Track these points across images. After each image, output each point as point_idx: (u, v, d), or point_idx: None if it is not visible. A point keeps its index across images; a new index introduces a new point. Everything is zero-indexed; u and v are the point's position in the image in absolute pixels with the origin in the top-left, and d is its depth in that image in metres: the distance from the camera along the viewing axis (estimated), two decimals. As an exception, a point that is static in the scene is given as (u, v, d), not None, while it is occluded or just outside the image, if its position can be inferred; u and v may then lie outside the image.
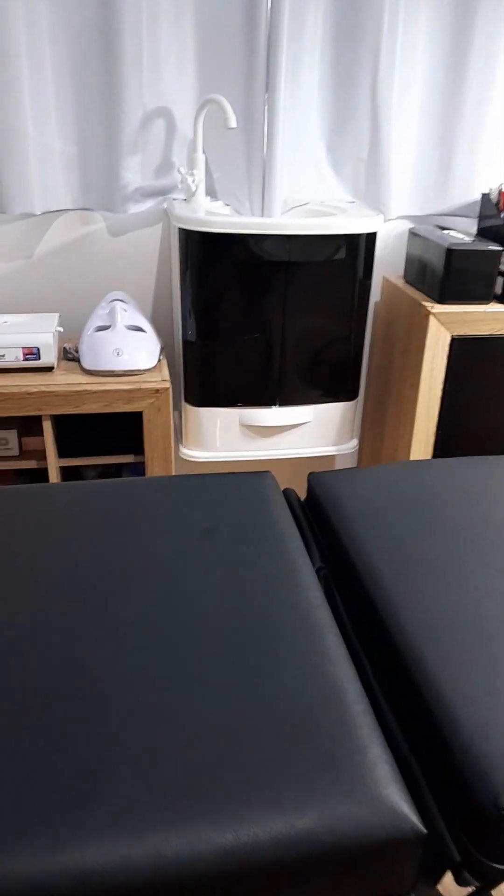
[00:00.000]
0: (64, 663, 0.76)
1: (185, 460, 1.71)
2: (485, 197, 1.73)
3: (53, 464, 1.58)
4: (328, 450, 1.78)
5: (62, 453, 1.62)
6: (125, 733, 0.69)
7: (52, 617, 0.83)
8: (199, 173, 1.60)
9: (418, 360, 1.64)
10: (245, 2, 1.49)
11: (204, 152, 1.60)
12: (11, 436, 1.61)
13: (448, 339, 1.61)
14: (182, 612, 0.83)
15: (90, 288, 1.75)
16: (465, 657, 0.78)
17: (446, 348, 1.62)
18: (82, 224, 1.69)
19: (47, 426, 1.53)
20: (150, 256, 1.75)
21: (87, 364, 1.54)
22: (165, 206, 1.68)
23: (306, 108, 1.65)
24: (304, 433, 1.74)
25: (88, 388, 1.49)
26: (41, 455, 1.60)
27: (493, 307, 1.61)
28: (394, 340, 1.79)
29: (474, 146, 1.72)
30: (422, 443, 1.72)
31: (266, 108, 1.56)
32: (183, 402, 1.69)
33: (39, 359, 1.52)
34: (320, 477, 1.10)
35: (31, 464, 1.61)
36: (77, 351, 1.60)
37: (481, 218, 1.75)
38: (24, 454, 1.64)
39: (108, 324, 1.58)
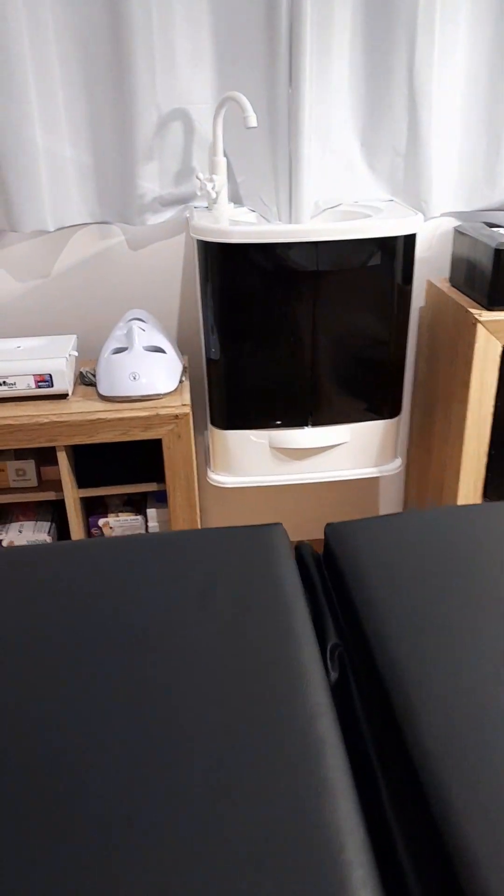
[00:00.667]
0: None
1: (213, 486, 1.59)
2: (540, 187, 1.54)
3: (70, 495, 1.49)
4: (369, 471, 1.63)
5: (82, 483, 1.53)
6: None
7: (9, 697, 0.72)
8: (220, 178, 1.48)
9: (466, 373, 1.48)
10: (262, -12, 1.35)
11: (225, 155, 1.48)
12: (29, 466, 1.53)
13: (499, 350, 1.44)
14: (159, 716, 0.69)
15: (110, 306, 1.64)
16: (500, 800, 0.59)
17: (497, 360, 1.44)
18: (100, 238, 1.59)
19: (62, 457, 1.44)
20: (173, 270, 1.64)
21: (103, 390, 1.44)
22: (187, 214, 1.56)
23: (336, 100, 1.50)
24: (343, 454, 1.60)
25: (103, 416, 1.39)
26: (60, 486, 1.51)
27: (551, 312, 1.42)
28: (439, 351, 1.63)
29: (527, 131, 1.54)
30: (473, 464, 1.55)
31: (290, 102, 1.43)
32: (209, 425, 1.57)
33: (52, 386, 1.43)
34: (339, 528, 0.93)
35: (49, 495, 1.52)
36: (94, 375, 1.50)
37: (537, 211, 1.57)
38: (43, 484, 1.55)
39: (125, 345, 1.47)
